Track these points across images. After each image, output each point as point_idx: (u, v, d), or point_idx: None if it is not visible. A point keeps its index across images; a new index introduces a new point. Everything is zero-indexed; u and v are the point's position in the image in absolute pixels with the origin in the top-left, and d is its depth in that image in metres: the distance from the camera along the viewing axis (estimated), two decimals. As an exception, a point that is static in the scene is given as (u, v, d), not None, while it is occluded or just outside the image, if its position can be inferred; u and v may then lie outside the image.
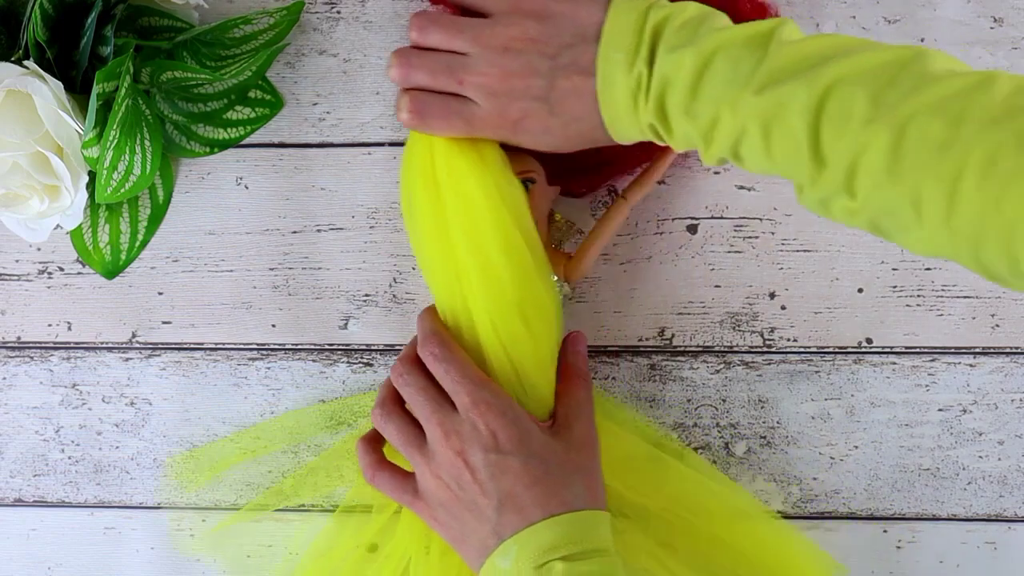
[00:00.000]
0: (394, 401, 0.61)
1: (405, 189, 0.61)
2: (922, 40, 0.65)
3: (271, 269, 0.68)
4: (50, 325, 0.69)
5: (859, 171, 0.48)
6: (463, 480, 0.56)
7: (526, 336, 0.59)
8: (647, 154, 0.63)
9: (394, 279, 0.67)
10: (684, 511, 0.64)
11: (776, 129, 0.49)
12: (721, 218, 0.66)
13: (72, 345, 0.69)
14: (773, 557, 0.64)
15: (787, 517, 0.66)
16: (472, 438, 0.56)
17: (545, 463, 0.56)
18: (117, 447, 0.69)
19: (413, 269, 0.67)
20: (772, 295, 0.66)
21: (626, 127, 0.55)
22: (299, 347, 0.68)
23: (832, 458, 0.67)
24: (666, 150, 0.63)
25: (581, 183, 0.65)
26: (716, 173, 0.66)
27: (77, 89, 0.62)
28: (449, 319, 0.60)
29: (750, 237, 0.66)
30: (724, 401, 0.66)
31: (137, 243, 0.68)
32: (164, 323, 0.69)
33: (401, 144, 0.67)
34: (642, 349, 0.67)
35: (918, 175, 0.46)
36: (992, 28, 0.65)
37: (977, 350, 0.66)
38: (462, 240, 0.58)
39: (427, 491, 0.58)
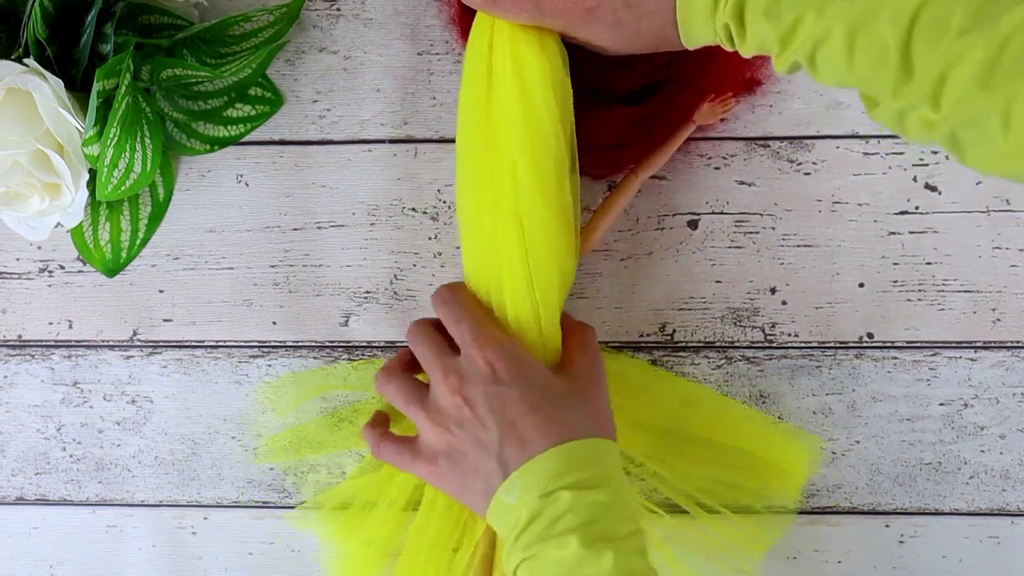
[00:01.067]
0: (396, 365, 0.61)
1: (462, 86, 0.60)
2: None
3: (272, 266, 0.68)
4: (51, 323, 0.69)
5: (948, 81, 0.46)
6: (463, 417, 0.56)
7: (555, 263, 0.58)
8: (665, 137, 0.64)
9: (395, 276, 0.67)
10: (658, 417, 0.64)
11: (863, 35, 0.48)
12: (722, 213, 0.66)
13: (73, 343, 0.69)
14: (754, 446, 0.64)
15: (789, 512, 0.67)
16: (471, 373, 0.56)
17: (544, 392, 0.56)
18: (118, 445, 0.69)
19: (414, 266, 0.67)
20: (773, 290, 0.66)
21: (699, 27, 0.53)
22: (300, 344, 0.68)
23: (834, 453, 0.67)
24: (683, 127, 0.63)
25: (600, 165, 0.65)
26: (716, 169, 0.66)
27: (77, 87, 0.63)
28: (475, 251, 0.60)
29: (751, 232, 0.66)
30: (726, 396, 0.66)
31: (138, 241, 0.68)
32: (165, 321, 0.69)
33: (402, 141, 0.67)
34: (643, 345, 0.67)
35: (1014, 86, 0.45)
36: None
37: (978, 344, 0.66)
38: (509, 138, 0.57)
39: (428, 444, 0.57)
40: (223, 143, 0.68)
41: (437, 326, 0.60)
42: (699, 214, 0.66)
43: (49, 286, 0.69)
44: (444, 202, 0.67)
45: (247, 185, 0.68)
